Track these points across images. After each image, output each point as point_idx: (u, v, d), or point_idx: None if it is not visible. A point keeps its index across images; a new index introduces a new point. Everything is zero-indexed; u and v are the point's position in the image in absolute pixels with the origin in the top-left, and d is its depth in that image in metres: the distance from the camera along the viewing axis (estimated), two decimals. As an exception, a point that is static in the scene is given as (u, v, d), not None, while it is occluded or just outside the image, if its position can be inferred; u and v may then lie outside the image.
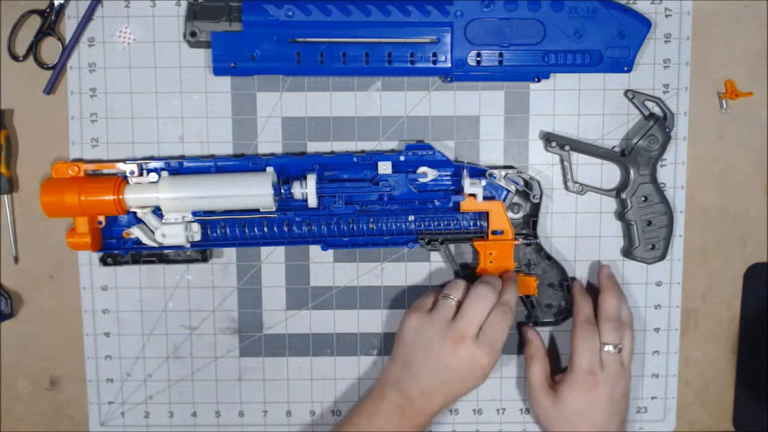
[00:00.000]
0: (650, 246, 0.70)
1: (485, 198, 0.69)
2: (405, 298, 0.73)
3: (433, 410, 0.65)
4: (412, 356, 0.65)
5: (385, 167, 0.69)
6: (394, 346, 0.68)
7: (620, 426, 0.67)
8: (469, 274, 0.70)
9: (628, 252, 0.71)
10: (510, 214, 0.70)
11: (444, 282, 0.72)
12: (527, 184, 0.69)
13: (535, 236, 0.70)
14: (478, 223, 0.70)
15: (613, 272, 0.72)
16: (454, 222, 0.70)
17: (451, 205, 0.69)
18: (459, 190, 0.69)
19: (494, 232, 0.69)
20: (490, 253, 0.69)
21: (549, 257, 0.70)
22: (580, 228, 0.72)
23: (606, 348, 0.66)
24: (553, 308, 0.71)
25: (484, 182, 0.69)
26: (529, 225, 0.70)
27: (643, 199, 0.70)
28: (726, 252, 0.73)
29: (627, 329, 0.68)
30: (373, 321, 0.73)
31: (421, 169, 0.69)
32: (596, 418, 0.66)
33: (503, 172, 0.69)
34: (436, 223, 0.70)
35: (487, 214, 0.69)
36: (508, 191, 0.70)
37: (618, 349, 0.67)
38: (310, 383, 0.74)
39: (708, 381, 0.75)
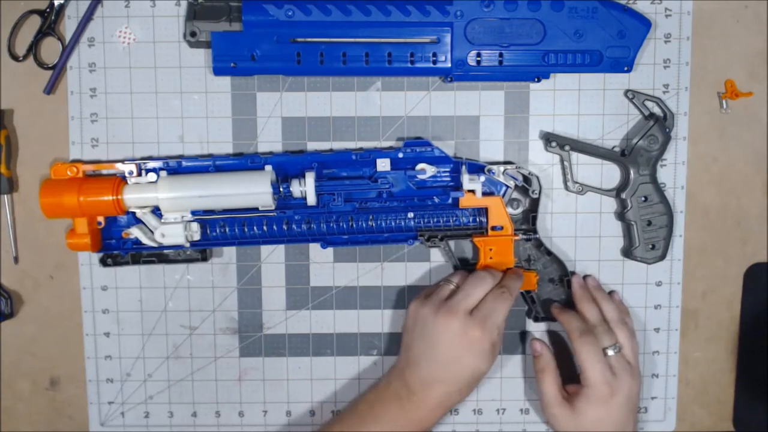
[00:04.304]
0: (650, 246, 0.70)
1: (484, 194, 0.69)
2: (405, 298, 0.73)
3: (433, 402, 0.64)
4: (412, 342, 0.66)
5: (383, 164, 0.68)
6: (402, 337, 0.68)
7: (635, 418, 0.67)
8: (469, 270, 0.70)
9: (628, 252, 0.71)
10: (509, 210, 0.70)
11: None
12: (526, 179, 0.69)
13: (535, 231, 0.70)
14: (478, 219, 0.70)
15: (585, 278, 0.72)
16: (454, 218, 0.70)
17: (450, 201, 0.69)
18: (458, 186, 0.69)
19: (494, 228, 0.69)
20: (490, 249, 0.69)
21: (549, 252, 0.70)
22: (580, 228, 0.72)
23: (609, 353, 0.66)
24: (554, 304, 0.71)
25: (482, 178, 0.68)
26: (528, 220, 0.70)
27: (643, 199, 0.70)
28: (726, 252, 0.73)
29: (618, 326, 0.67)
30: (373, 321, 0.73)
31: (420, 166, 0.69)
32: (615, 422, 0.65)
33: (502, 168, 0.69)
34: (435, 219, 0.69)
35: (486, 209, 0.69)
36: (507, 187, 0.70)
37: (617, 348, 0.66)
38: (310, 383, 0.74)
39: (708, 381, 0.75)
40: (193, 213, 0.68)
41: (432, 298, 0.66)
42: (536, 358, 0.70)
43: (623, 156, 0.70)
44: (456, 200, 0.69)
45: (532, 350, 0.71)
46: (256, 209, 0.68)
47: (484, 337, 0.63)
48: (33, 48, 0.70)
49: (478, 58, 0.68)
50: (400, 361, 0.67)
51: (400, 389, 0.65)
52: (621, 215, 0.71)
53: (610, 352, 0.66)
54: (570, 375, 0.70)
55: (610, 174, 0.72)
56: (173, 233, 0.67)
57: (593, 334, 0.66)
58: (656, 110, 0.70)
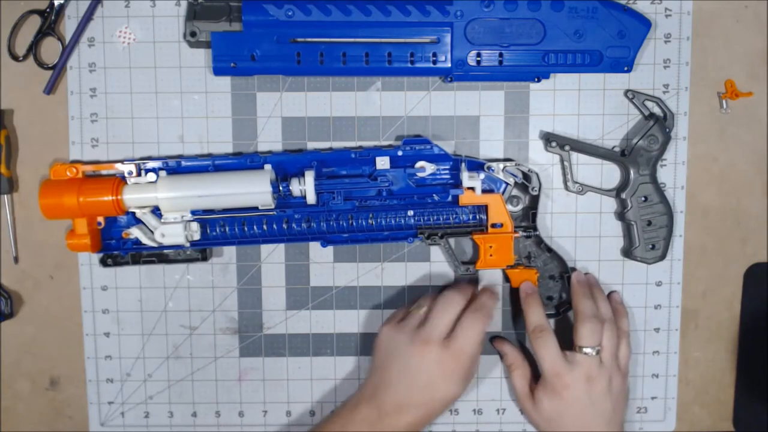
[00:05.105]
0: (650, 246, 0.70)
1: (484, 191, 0.69)
2: (405, 298, 0.73)
3: (404, 426, 0.64)
4: (386, 367, 0.66)
5: (383, 162, 0.68)
6: (371, 358, 0.69)
7: (610, 425, 0.66)
8: (470, 269, 0.70)
9: (628, 252, 0.71)
10: (509, 207, 0.70)
11: (442, 284, 0.73)
12: (526, 176, 0.69)
13: (535, 228, 0.70)
14: (478, 217, 0.70)
15: (585, 275, 0.72)
16: (454, 216, 0.70)
17: (450, 198, 0.69)
18: (457, 183, 0.69)
19: (494, 225, 0.69)
20: (490, 246, 0.69)
21: (549, 249, 0.70)
22: (580, 228, 0.72)
23: (585, 350, 0.66)
24: (554, 300, 0.71)
25: (482, 175, 0.68)
26: (528, 217, 0.70)
27: (643, 199, 0.70)
28: (726, 252, 0.73)
29: (607, 327, 0.67)
30: (372, 321, 0.73)
31: (420, 164, 0.69)
32: (574, 418, 0.66)
33: (501, 165, 0.69)
34: (435, 217, 0.69)
35: (486, 207, 0.69)
36: (507, 184, 0.70)
37: (596, 350, 0.66)
38: (310, 383, 0.74)
39: (708, 381, 0.75)
40: (193, 213, 0.68)
41: (404, 326, 0.66)
42: (503, 356, 0.72)
43: (623, 156, 0.70)
44: (456, 198, 0.69)
45: (497, 350, 0.72)
46: (255, 208, 0.68)
47: (458, 366, 0.64)
48: (33, 48, 0.70)
49: (478, 58, 0.68)
50: (370, 383, 0.67)
51: (370, 413, 0.65)
52: (621, 215, 0.71)
53: (588, 351, 0.66)
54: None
55: (610, 174, 0.72)
56: (173, 233, 0.67)
57: (547, 330, 0.66)
58: (656, 110, 0.70)
